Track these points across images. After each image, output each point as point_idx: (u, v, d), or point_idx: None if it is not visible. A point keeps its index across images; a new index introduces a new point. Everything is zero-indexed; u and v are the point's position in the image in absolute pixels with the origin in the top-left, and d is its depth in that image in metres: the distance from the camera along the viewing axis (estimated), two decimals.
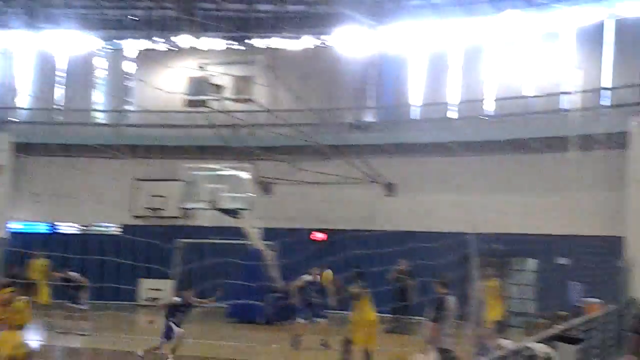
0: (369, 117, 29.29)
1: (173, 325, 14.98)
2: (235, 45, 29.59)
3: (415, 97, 28.45)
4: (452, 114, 27.85)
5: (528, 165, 24.41)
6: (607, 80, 25.19)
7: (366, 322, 14.20)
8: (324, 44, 29.32)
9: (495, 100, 27.16)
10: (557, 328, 11.12)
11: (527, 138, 24.52)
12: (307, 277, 18.41)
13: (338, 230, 24.20)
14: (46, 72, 30.65)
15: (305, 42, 29.45)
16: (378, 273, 17.24)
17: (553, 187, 23.52)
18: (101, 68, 31.32)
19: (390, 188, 26.33)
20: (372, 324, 14.34)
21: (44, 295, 20.16)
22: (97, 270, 20.17)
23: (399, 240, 17.76)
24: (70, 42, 30.16)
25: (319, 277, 18.65)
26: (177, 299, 15.57)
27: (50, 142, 28.01)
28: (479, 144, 25.14)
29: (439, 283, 12.79)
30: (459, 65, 27.91)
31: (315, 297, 18.26)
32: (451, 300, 12.74)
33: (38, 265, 20.54)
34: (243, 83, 23.70)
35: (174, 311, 15.23)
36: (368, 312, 14.33)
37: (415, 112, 28.53)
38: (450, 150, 24.98)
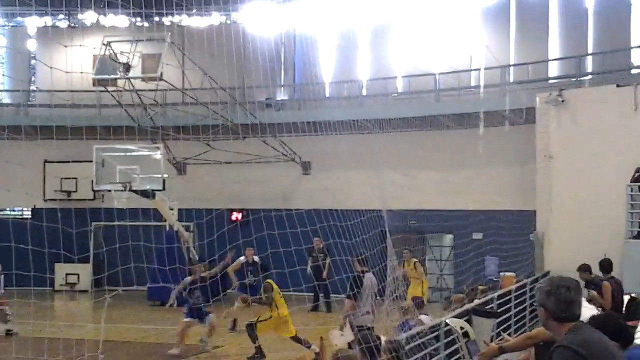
0: (281, 95, 29.32)
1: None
2: (141, 23, 29.02)
3: (327, 75, 28.61)
4: (363, 91, 28.14)
5: (440, 141, 24.89)
6: (513, 58, 25.92)
7: (278, 319, 14.76)
8: (232, 21, 29.04)
9: (404, 77, 27.55)
10: (474, 302, 11.44)
11: (438, 115, 25.00)
12: (242, 259, 18.56)
13: (254, 209, 24.19)
14: None
15: (213, 19, 29.09)
16: (295, 252, 17.38)
17: (466, 163, 24.06)
18: (2, 46, 30.36)
19: (305, 166, 26.52)
20: (284, 319, 14.82)
21: None
22: (9, 257, 19.58)
23: (315, 219, 17.92)
24: None
25: (253, 257, 18.75)
26: (188, 278, 15.52)
27: None
28: (390, 121, 25.46)
29: (357, 260, 12.99)
30: (368, 42, 28.18)
31: (253, 278, 18.46)
32: (369, 278, 12.98)
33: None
34: (151, 61, 23.33)
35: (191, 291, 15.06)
36: (281, 308, 14.88)
37: (327, 90, 28.71)
38: (362, 128, 25.22)
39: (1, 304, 18.29)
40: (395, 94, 27.63)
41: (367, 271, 13.00)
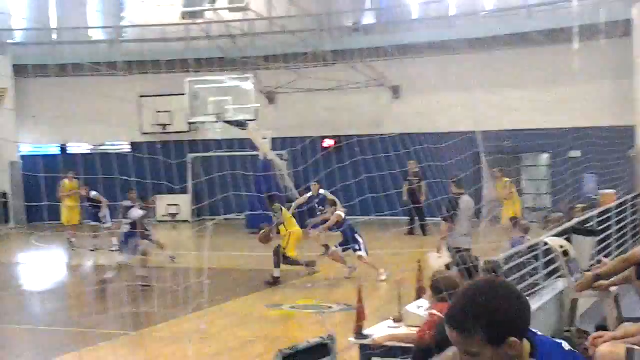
0: (368, 19, 29.02)
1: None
2: None
3: None
4: (451, 11, 27.58)
5: (533, 59, 24.27)
6: None
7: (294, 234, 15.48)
8: None
9: None
10: (573, 221, 11.34)
11: (530, 31, 24.34)
12: (308, 194, 18.83)
13: (346, 136, 24.31)
14: None
15: None
16: (389, 177, 17.45)
17: (560, 80, 23.45)
18: None
19: (395, 90, 26.36)
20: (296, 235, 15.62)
21: (76, 215, 20.61)
22: (110, 190, 20.34)
23: (409, 142, 17.92)
24: None
25: (319, 191, 18.93)
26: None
27: (49, 62, 27.74)
28: (481, 40, 24.97)
29: (453, 183, 13.02)
30: None
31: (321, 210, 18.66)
32: (466, 200, 12.99)
33: (69, 186, 20.84)
34: None
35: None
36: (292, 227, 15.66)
37: (414, 12, 28.26)
38: (451, 49, 24.83)
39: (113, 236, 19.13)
40: (485, 12, 26.97)
41: (463, 193, 13.02)
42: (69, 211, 20.84)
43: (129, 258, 15.07)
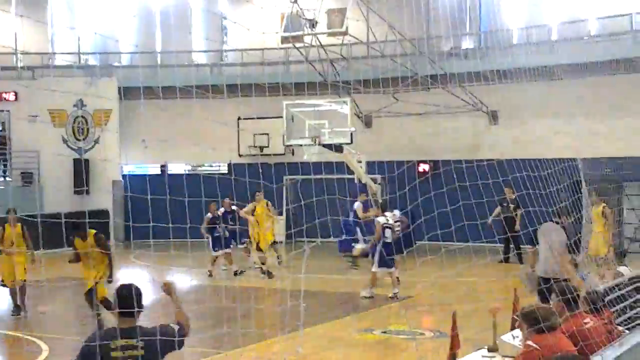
0: (467, 44, 28.81)
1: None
2: None
3: (514, 21, 27.77)
4: (553, 35, 27.13)
5: (636, 85, 23.64)
6: None
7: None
8: None
9: (598, 19, 26.29)
10: None
11: (635, 57, 23.72)
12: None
13: (443, 161, 24.13)
14: (144, 16, 31.23)
15: None
16: (485, 203, 17.20)
17: None
18: (196, 8, 31.68)
19: (492, 116, 26.04)
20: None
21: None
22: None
23: (505, 169, 17.64)
24: None
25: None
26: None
27: (153, 85, 28.54)
28: (582, 66, 24.45)
29: (552, 212, 12.72)
30: None
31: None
32: (560, 228, 12.67)
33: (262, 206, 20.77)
34: (336, 16, 23.59)
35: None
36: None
37: (514, 37, 27.90)
38: (552, 74, 24.40)
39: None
40: (588, 37, 26.40)
41: (559, 222, 12.69)
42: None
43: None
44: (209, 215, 19.97)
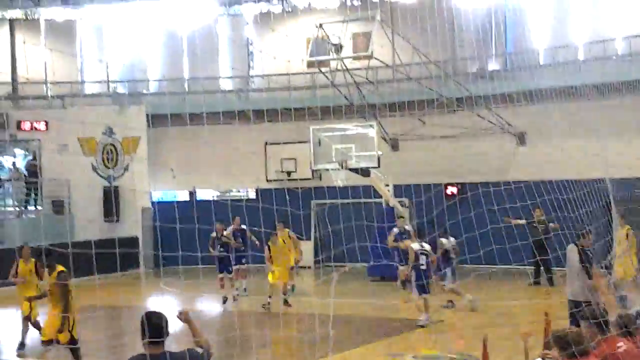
0: (493, 66, 28.77)
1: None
2: (351, 2, 29.43)
3: (540, 41, 27.71)
4: (581, 55, 27.03)
5: None
6: None
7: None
8: None
9: (624, 38, 26.17)
10: None
11: None
12: (395, 230, 19.68)
13: (470, 183, 24.02)
14: (171, 43, 31.56)
15: None
16: (513, 226, 17.13)
17: None
18: (222, 35, 31.95)
19: (520, 137, 25.92)
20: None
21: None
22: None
23: (534, 191, 17.55)
24: (191, 11, 30.77)
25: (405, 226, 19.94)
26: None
27: (180, 112, 28.74)
28: (610, 86, 24.29)
29: (578, 234, 12.57)
30: (583, 4, 26.95)
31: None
32: (575, 249, 12.48)
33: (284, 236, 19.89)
34: (362, 40, 23.69)
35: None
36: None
37: (541, 57, 27.83)
38: (580, 94, 24.25)
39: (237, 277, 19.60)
40: (615, 57, 26.28)
41: (582, 246, 12.49)
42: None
43: None
44: (212, 234, 20.05)
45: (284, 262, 18.84)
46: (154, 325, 5.81)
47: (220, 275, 20.06)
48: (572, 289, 12.09)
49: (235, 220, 20.50)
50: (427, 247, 16.43)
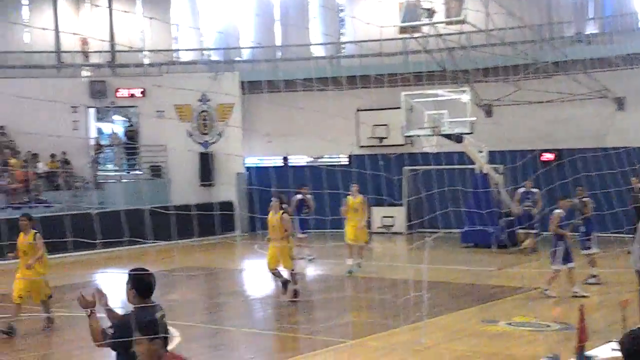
0: (591, 29, 27.98)
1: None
2: None
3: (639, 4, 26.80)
4: None
5: None
6: None
7: None
8: None
9: None
10: None
11: None
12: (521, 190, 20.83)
13: (567, 149, 23.59)
14: (264, 10, 31.82)
15: None
16: (613, 193, 16.75)
17: None
18: (314, 1, 32.01)
19: (619, 102, 25.24)
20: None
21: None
22: (324, 201, 21.09)
23: (633, 157, 17.15)
24: None
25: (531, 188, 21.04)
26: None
27: (273, 78, 29.01)
28: None
29: None
30: None
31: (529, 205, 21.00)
32: None
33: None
34: (454, 4, 23.38)
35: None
36: None
37: None
38: None
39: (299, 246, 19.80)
40: None
41: None
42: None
43: None
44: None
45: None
46: (148, 282, 6.10)
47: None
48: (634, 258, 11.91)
49: (303, 189, 20.86)
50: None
